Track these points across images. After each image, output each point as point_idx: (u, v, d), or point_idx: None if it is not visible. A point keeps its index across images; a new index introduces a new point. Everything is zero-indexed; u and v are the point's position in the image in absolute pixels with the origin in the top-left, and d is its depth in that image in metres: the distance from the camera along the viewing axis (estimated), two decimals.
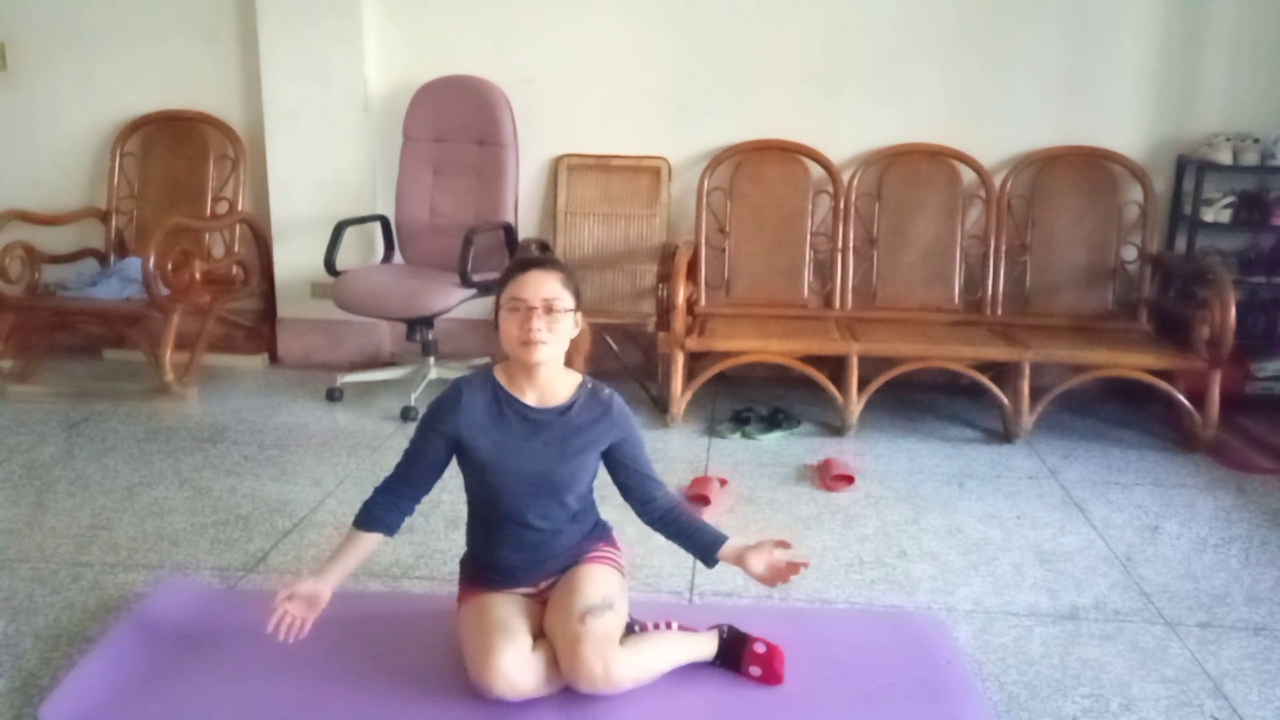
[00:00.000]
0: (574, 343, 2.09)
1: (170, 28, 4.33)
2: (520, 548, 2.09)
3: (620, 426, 2.09)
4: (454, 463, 2.09)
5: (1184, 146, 4.04)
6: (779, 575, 2.08)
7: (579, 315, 2.07)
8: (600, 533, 2.19)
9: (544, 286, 1.99)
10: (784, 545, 2.10)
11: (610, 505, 2.21)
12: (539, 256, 2.09)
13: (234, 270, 4.33)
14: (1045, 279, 4.05)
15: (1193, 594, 2.57)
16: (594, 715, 1.96)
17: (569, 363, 2.11)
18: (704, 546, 2.12)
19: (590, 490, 2.15)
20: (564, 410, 2.06)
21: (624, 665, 1.95)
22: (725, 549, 2.10)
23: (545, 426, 2.05)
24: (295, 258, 4.31)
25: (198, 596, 2.43)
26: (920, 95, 4.10)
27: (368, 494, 2.10)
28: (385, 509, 2.07)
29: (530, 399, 2.06)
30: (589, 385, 2.11)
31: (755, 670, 2.10)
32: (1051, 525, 2.97)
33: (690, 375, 3.74)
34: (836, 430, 3.71)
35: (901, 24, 4.06)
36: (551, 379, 2.07)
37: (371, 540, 2.07)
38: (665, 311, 3.71)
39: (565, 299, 2.00)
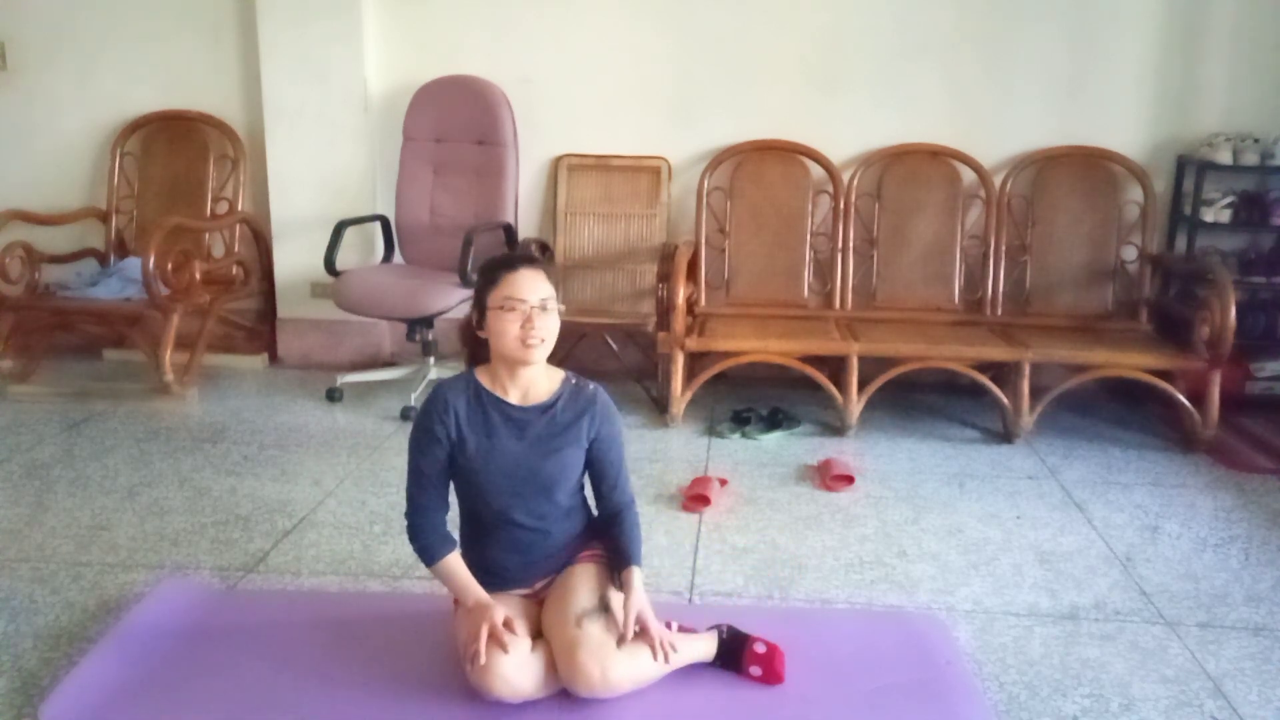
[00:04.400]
0: None
1: (170, 28, 4.33)
2: (512, 549, 2.09)
3: (601, 421, 2.07)
4: None
5: (1184, 146, 4.04)
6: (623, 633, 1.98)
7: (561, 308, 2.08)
8: (595, 530, 2.19)
9: (540, 286, 1.99)
10: (642, 626, 1.99)
11: None
12: (524, 254, 2.09)
13: (234, 270, 4.33)
14: (1045, 279, 4.04)
15: (1193, 594, 2.57)
16: (593, 716, 1.96)
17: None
18: (616, 564, 2.09)
19: (581, 487, 2.15)
20: (547, 407, 2.06)
21: (622, 670, 1.95)
22: (625, 575, 2.05)
23: (529, 425, 2.05)
24: (295, 258, 4.32)
25: (198, 596, 2.43)
26: (920, 95, 4.10)
27: (403, 523, 2.07)
28: (435, 531, 2.04)
29: (514, 397, 2.06)
30: (573, 381, 2.11)
31: (755, 670, 2.10)
32: (1051, 525, 2.97)
33: (690, 375, 3.73)
34: (836, 430, 3.71)
35: (901, 24, 4.06)
36: (534, 376, 2.07)
37: (454, 558, 2.05)
38: (665, 311, 3.70)
39: (554, 295, 2.02)
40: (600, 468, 2.11)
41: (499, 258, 2.10)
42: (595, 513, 2.18)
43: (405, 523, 2.06)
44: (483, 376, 2.08)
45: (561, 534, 2.11)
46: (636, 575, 2.05)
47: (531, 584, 2.12)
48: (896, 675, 2.14)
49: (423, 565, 2.52)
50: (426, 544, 2.04)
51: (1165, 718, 2.05)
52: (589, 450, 2.09)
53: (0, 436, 3.51)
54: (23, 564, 2.60)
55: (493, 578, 2.08)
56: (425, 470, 2.04)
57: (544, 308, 1.98)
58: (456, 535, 2.11)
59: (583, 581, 2.06)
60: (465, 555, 2.10)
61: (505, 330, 1.98)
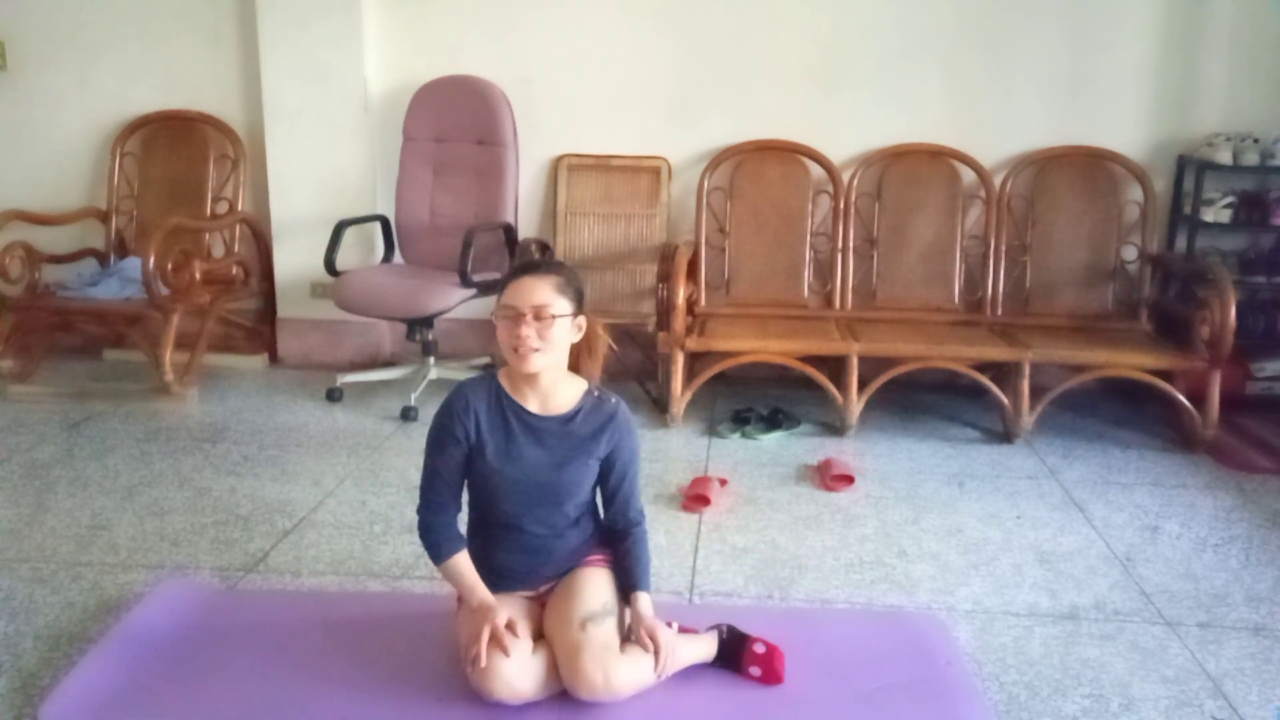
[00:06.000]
0: (584, 345, 2.08)
1: (170, 28, 4.33)
2: (520, 552, 2.09)
3: (620, 437, 2.07)
4: None
5: (1184, 146, 4.04)
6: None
7: (582, 319, 2.05)
8: (601, 536, 2.18)
9: (535, 293, 1.96)
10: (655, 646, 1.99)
11: None
12: (536, 261, 2.08)
13: (234, 270, 4.33)
14: (1045, 279, 4.04)
15: (1193, 594, 2.57)
16: (593, 716, 1.96)
17: (580, 367, 2.10)
18: (623, 583, 2.10)
19: (592, 496, 2.15)
20: (567, 419, 2.05)
21: (624, 674, 1.95)
22: (633, 600, 2.05)
23: (547, 435, 2.04)
24: (295, 258, 4.31)
25: (198, 596, 2.43)
26: (920, 95, 4.10)
27: (413, 520, 2.07)
28: (446, 530, 2.04)
29: (533, 405, 2.05)
30: (595, 394, 2.09)
31: (755, 670, 2.10)
32: (1051, 525, 2.97)
33: (690, 375, 3.73)
34: (836, 430, 3.71)
35: (901, 24, 4.06)
36: (553, 385, 2.05)
37: (462, 558, 2.04)
38: (665, 311, 3.70)
39: (558, 305, 1.97)
40: (613, 483, 2.10)
41: (516, 264, 2.10)
42: (603, 519, 2.17)
43: (417, 518, 2.06)
44: (504, 380, 2.07)
45: (569, 540, 2.11)
46: (645, 601, 2.05)
47: (536, 587, 2.12)
48: (896, 675, 2.14)
49: (425, 564, 2.53)
50: (436, 542, 2.04)
51: (1165, 718, 2.05)
52: (603, 464, 2.08)
53: (0, 436, 3.51)
54: (23, 564, 2.60)
55: (497, 578, 2.08)
56: (441, 468, 2.03)
57: (539, 316, 1.95)
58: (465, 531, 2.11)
59: (587, 585, 2.06)
60: (471, 553, 2.10)
61: (501, 336, 1.99)
